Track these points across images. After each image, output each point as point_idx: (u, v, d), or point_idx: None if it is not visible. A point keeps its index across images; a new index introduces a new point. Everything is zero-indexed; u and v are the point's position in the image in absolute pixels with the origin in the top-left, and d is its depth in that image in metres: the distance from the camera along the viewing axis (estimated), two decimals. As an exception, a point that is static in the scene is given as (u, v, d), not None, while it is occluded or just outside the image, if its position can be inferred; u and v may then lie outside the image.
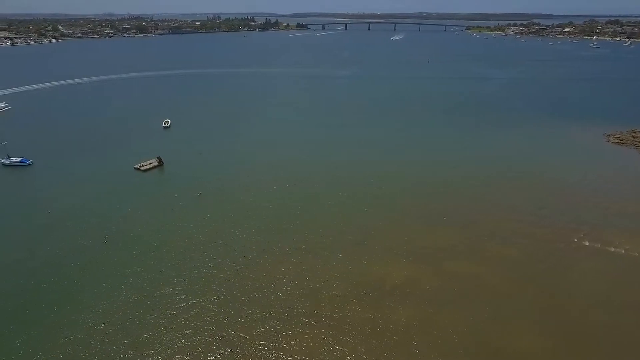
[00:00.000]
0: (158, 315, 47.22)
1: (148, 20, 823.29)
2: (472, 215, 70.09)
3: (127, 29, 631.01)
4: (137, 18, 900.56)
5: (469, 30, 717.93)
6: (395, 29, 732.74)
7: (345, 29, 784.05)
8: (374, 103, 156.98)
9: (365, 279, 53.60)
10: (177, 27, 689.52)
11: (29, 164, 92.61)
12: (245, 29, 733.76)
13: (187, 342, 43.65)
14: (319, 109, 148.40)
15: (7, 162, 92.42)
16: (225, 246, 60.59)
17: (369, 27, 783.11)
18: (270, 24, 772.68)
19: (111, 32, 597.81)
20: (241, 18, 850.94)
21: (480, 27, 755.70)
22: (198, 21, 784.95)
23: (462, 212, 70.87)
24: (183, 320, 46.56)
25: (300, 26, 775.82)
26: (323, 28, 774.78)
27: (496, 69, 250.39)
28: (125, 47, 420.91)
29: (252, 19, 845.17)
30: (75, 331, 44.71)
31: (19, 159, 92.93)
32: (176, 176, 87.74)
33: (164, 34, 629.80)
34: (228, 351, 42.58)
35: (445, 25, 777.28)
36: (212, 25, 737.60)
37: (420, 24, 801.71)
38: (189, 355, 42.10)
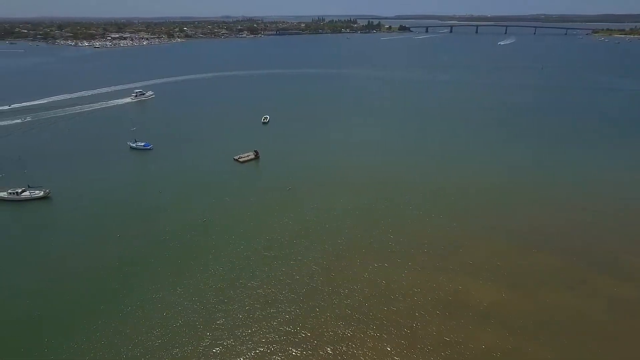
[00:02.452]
0: (233, 306, 49.92)
1: (259, 22, 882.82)
2: (580, 241, 62.41)
3: (240, 30, 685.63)
4: (249, 20, 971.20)
5: (596, 34, 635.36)
6: (506, 32, 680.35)
7: (450, 31, 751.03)
8: (471, 112, 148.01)
9: (444, 294, 51.16)
10: (283, 29, 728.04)
11: (150, 149, 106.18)
12: (347, 30, 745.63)
13: (257, 337, 45.86)
14: (412, 114, 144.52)
15: (134, 145, 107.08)
16: (307, 245, 62.45)
17: (477, 30, 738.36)
18: (372, 26, 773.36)
19: (226, 33, 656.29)
20: (344, 20, 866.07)
21: (611, 30, 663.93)
22: (303, 23, 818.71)
23: (568, 237, 63.48)
24: (257, 313, 49.07)
25: (402, 29, 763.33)
26: (426, 31, 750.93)
27: (629, 79, 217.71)
28: (237, 47, 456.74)
29: (355, 21, 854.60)
30: (182, 292, 50.69)
31: (142, 144, 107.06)
32: (270, 170, 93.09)
33: (271, 34, 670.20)
34: (293, 351, 43.52)
35: (567, 29, 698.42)
36: (316, 27, 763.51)
37: (536, 27, 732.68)
38: (253, 349, 44.37)
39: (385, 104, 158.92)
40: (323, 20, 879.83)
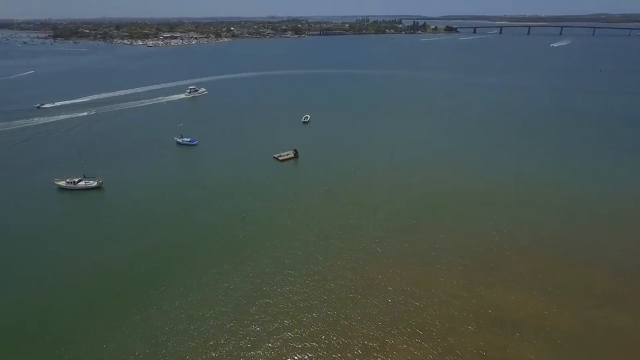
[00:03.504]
0: (265, 303, 50.92)
1: (303, 22, 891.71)
2: (627, 254, 58.20)
3: (285, 30, 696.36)
4: (294, 20, 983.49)
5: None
6: (561, 34, 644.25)
7: (500, 32, 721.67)
8: (517, 116, 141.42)
9: (482, 305, 49.44)
10: (327, 29, 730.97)
11: (195, 144, 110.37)
12: (392, 31, 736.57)
13: (286, 336, 46.54)
14: (455, 117, 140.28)
15: (180, 140, 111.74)
16: (341, 246, 62.51)
17: (529, 31, 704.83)
18: (417, 26, 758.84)
19: (271, 33, 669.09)
20: (388, 21, 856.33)
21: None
22: (347, 23, 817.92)
23: (616, 250, 59.39)
24: (288, 312, 49.78)
25: (449, 29, 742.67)
26: (474, 32, 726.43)
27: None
28: (281, 47, 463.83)
29: (400, 22, 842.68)
30: (216, 285, 52.56)
31: (188, 139, 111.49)
32: (308, 169, 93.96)
33: (315, 35, 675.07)
34: (323, 354, 43.70)
35: (630, 29, 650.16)
36: (359, 27, 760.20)
37: (595, 28, 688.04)
38: (280, 348, 45.03)
39: (428, 106, 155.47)
40: (367, 20, 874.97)
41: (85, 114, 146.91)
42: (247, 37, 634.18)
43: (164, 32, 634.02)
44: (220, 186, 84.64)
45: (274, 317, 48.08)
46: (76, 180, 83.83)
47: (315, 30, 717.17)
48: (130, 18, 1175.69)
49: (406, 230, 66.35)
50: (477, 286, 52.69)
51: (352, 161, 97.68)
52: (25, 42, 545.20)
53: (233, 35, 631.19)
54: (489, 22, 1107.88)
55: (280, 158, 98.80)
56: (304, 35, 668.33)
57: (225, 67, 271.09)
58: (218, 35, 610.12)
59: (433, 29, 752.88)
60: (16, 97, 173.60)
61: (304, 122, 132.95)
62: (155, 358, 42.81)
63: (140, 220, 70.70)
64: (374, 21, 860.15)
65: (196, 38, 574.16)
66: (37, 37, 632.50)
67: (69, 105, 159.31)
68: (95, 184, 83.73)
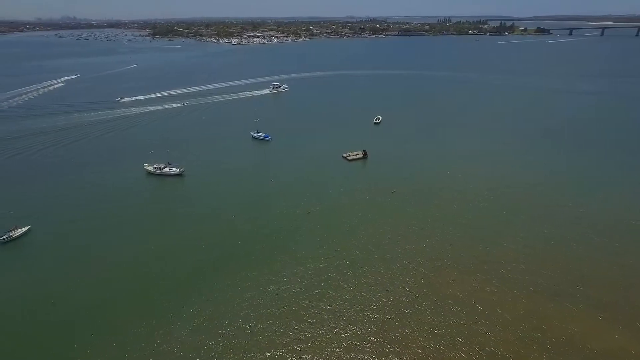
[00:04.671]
0: (320, 303, 51.21)
1: (382, 22, 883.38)
2: None
3: (362, 30, 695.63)
4: (373, 20, 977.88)
5: None
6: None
7: (602, 34, 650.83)
8: (609, 126, 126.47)
9: (555, 333, 45.38)
10: (406, 30, 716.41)
11: (269, 139, 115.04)
12: (475, 32, 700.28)
13: (337, 338, 46.63)
14: (535, 126, 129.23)
15: (255, 135, 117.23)
16: (403, 252, 61.12)
17: (638, 32, 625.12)
18: (503, 27, 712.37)
19: (349, 33, 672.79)
20: (472, 21, 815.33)
21: None
22: (428, 24, 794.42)
23: None
24: (343, 315, 49.70)
25: (540, 31, 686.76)
26: (570, 34, 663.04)
27: None
28: (357, 47, 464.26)
29: (485, 22, 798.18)
30: (275, 279, 54.62)
31: (263, 134, 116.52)
32: (377, 170, 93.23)
33: (393, 35, 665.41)
34: (374, 357, 43.16)
35: None
36: (440, 28, 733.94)
37: None
38: (333, 349, 45.16)
39: (506, 113, 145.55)
40: (449, 21, 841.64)
41: (179, 105, 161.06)
42: (325, 36, 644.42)
43: (247, 31, 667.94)
44: (288, 181, 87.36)
45: (329, 315, 48.45)
46: (162, 166, 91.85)
47: (394, 31, 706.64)
48: (218, 18, 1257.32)
49: (473, 242, 63.05)
50: (550, 311, 48.48)
51: (422, 166, 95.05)
52: (129, 40, 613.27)
53: (312, 35, 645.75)
54: (587, 22, 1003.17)
55: (349, 158, 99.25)
56: (381, 35, 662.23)
57: (304, 66, 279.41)
58: (297, 35, 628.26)
59: (522, 30, 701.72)
60: (122, 88, 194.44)
61: (376, 123, 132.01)
62: (209, 345, 45.62)
63: (213, 208, 75.54)
64: (456, 22, 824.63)
65: (277, 37, 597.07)
66: (139, 35, 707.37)
67: (169, 97, 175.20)
68: (177, 171, 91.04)
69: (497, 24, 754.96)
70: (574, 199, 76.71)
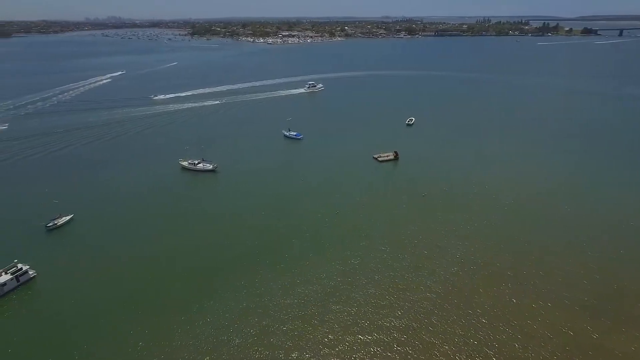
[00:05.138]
0: (345, 306, 51.25)
1: (418, 22, 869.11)
2: None
3: (398, 31, 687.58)
4: (409, 20, 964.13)
5: None
6: None
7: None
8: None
9: (595, 351, 43.18)
10: (443, 30, 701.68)
11: (300, 138, 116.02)
12: (516, 33, 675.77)
13: (363, 342, 46.40)
14: (575, 131, 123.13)
15: (287, 134, 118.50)
16: (431, 256, 60.11)
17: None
18: (547, 28, 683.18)
19: (384, 33, 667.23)
20: (513, 22, 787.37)
21: None
22: (465, 24, 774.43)
23: None
24: (366, 320, 49.43)
25: (586, 32, 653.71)
26: (620, 34, 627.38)
27: None
28: (392, 47, 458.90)
29: (526, 23, 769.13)
30: (302, 280, 55.12)
31: (294, 133, 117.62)
32: (408, 172, 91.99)
33: (429, 36, 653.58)
34: None
35: None
36: (479, 28, 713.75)
37: None
38: (358, 349, 44.91)
39: (544, 117, 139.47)
40: (488, 21, 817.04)
41: (218, 102, 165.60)
42: (360, 36, 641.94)
43: (283, 30, 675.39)
44: (318, 180, 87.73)
45: (354, 320, 48.08)
46: (196, 162, 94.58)
47: (430, 31, 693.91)
48: (255, 17, 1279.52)
49: (505, 250, 61.02)
50: (588, 327, 46.21)
51: (454, 169, 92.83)
52: (170, 39, 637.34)
53: (346, 35, 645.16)
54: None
55: (379, 159, 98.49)
56: (417, 36, 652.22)
57: (338, 66, 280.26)
58: (332, 35, 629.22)
59: (567, 31, 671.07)
60: (163, 86, 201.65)
61: (408, 125, 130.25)
62: (235, 342, 46.54)
63: (244, 205, 77.01)
64: (496, 22, 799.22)
65: (311, 37, 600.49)
66: (179, 34, 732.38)
67: (199, 95, 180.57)
68: (211, 167, 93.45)
69: (539, 24, 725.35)
70: (613, 208, 72.65)
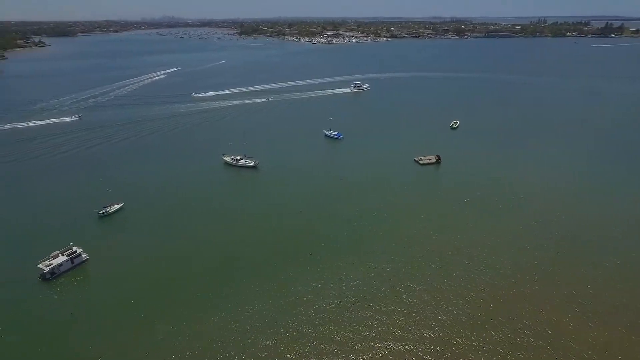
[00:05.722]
0: (375, 306, 50.73)
1: (468, 23, 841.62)
2: None
3: (445, 31, 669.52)
4: (458, 21, 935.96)
5: None
6: None
7: None
8: None
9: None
10: (494, 31, 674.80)
11: (341, 138, 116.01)
12: (575, 34, 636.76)
13: (392, 344, 45.55)
14: (630, 141, 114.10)
15: (328, 133, 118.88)
16: (469, 265, 58.05)
17: None
18: (609, 29, 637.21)
19: (431, 34, 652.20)
20: (571, 22, 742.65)
21: None
22: (518, 25, 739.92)
23: None
24: (398, 321, 48.49)
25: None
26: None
27: None
28: (438, 48, 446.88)
29: (586, 23, 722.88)
30: (339, 280, 55.18)
31: (335, 133, 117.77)
32: (449, 177, 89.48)
33: (479, 37, 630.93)
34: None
35: None
36: (533, 29, 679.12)
37: None
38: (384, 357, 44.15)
39: (599, 124, 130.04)
40: (544, 22, 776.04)
41: (261, 100, 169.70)
42: (406, 37, 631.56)
43: (328, 30, 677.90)
44: (357, 181, 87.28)
45: (386, 328, 47.08)
46: (238, 158, 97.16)
47: (480, 32, 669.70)
48: (301, 17, 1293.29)
49: (554, 266, 57.44)
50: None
51: (499, 175, 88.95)
52: (219, 38, 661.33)
53: (392, 35, 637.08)
54: None
55: (421, 162, 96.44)
56: (465, 36, 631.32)
57: (383, 66, 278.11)
58: (377, 35, 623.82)
59: (632, 32, 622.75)
60: (213, 83, 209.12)
61: (452, 128, 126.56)
62: (264, 343, 47.23)
63: (282, 202, 78.16)
64: (552, 22, 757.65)
65: (356, 37, 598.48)
66: (228, 34, 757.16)
67: (245, 93, 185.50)
68: (252, 163, 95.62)
69: (602, 24, 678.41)
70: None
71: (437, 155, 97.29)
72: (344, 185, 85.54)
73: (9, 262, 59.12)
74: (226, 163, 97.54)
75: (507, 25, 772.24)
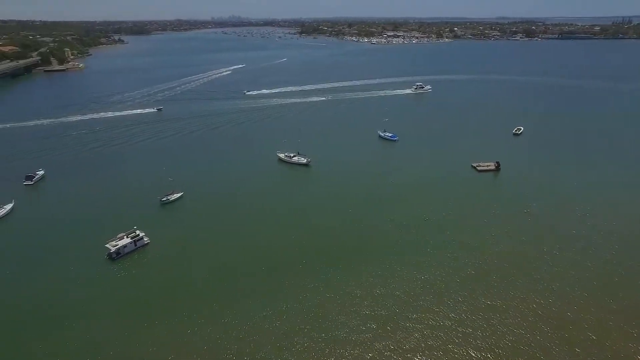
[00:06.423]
0: (419, 316, 49.20)
1: (539, 24, 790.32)
2: None
3: (514, 32, 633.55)
4: (527, 21, 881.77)
5: None
6: None
7: None
8: None
9: None
10: (569, 32, 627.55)
11: (396, 140, 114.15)
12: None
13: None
14: None
15: (382, 134, 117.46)
16: (529, 282, 54.46)
17: None
18: None
19: (497, 35, 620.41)
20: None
21: None
22: (598, 25, 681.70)
23: None
24: (448, 333, 46.85)
25: None
26: None
27: None
28: (505, 49, 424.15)
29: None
30: (385, 284, 54.57)
31: (390, 134, 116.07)
32: (509, 185, 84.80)
33: (551, 38, 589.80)
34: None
35: None
36: (615, 30, 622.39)
37: None
38: None
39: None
40: (629, 22, 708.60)
41: (323, 98, 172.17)
42: (470, 38, 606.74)
43: (388, 30, 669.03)
44: (409, 184, 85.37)
45: (432, 332, 45.86)
46: (292, 155, 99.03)
47: (553, 33, 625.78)
48: (362, 17, 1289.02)
49: (625, 291, 52.22)
50: None
51: (565, 188, 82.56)
52: (280, 37, 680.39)
53: (455, 36, 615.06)
54: None
55: (478, 168, 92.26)
56: (536, 38, 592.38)
57: (445, 68, 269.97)
58: (439, 36, 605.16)
59: None
60: (273, 80, 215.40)
61: (515, 134, 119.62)
62: (304, 344, 47.65)
63: (333, 201, 78.53)
64: (639, 22, 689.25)
65: (417, 37, 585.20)
66: (288, 33, 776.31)
67: (304, 91, 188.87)
68: (305, 161, 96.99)
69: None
70: None
71: (496, 162, 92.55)
72: (395, 187, 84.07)
73: (82, 240, 64.97)
74: (280, 159, 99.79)
75: (583, 26, 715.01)
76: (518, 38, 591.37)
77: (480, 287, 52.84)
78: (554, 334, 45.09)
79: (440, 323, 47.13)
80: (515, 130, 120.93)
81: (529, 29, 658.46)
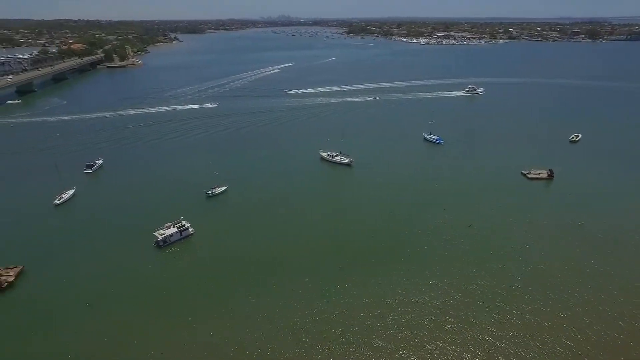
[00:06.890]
0: (457, 325, 47.46)
1: (605, 24, 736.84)
2: None
3: (576, 33, 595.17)
4: (591, 22, 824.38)
5: None
6: None
7: None
8: None
9: None
10: (639, 33, 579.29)
11: (441, 143, 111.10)
12: None
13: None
14: None
15: (427, 137, 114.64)
16: (580, 300, 51.16)
17: None
18: None
19: (556, 36, 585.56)
20: None
21: None
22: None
23: None
24: (479, 343, 44.85)
25: None
26: None
27: None
28: (565, 51, 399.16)
29: None
30: (422, 289, 53.50)
31: (435, 137, 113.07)
32: (562, 195, 79.84)
33: (619, 39, 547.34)
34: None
35: None
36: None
37: None
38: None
39: None
40: None
41: (372, 98, 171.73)
42: (526, 39, 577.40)
43: (438, 31, 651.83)
44: (454, 189, 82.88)
45: (467, 343, 44.42)
46: (334, 154, 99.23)
47: (621, 34, 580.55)
48: (413, 17, 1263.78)
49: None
50: None
51: (625, 201, 76.55)
52: (327, 37, 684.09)
53: (510, 37, 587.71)
54: None
55: (529, 175, 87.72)
56: (600, 39, 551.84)
57: (499, 70, 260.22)
58: (493, 36, 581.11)
59: None
60: (320, 79, 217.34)
61: (572, 141, 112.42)
62: (333, 347, 47.43)
63: (373, 202, 77.89)
64: None
65: (468, 38, 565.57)
66: (336, 32, 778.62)
67: (351, 91, 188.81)
68: (347, 160, 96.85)
69: None
70: None
71: (549, 170, 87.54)
72: (438, 192, 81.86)
73: (133, 227, 68.99)
74: (322, 158, 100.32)
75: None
76: (580, 39, 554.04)
77: (525, 302, 50.31)
78: (595, 352, 42.09)
79: (479, 338, 45.34)
80: (572, 137, 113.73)
81: (593, 29, 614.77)
